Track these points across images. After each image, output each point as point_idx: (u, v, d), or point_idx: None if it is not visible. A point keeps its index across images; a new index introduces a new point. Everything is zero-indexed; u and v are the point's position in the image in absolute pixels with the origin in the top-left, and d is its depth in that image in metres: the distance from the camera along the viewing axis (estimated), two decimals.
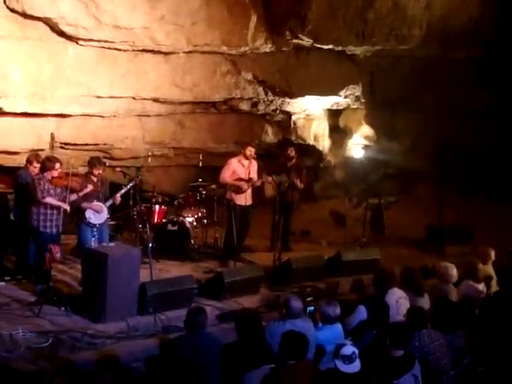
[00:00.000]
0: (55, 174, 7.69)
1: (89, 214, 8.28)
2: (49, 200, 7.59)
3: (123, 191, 8.73)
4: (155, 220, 9.60)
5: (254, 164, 9.65)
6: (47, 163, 7.71)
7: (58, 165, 7.72)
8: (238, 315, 5.76)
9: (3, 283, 8.03)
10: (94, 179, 8.37)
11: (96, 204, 8.33)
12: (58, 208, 7.70)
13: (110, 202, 8.55)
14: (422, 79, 11.44)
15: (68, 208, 7.68)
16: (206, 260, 9.56)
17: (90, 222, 8.27)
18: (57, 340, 6.43)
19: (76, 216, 8.40)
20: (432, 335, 5.60)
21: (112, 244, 7.81)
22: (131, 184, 8.75)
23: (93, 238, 8.07)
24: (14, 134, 9.79)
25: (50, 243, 7.43)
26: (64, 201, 7.67)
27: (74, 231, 8.64)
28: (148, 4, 8.61)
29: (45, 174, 7.69)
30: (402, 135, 12.62)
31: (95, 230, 8.20)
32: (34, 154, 8.71)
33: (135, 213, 9.41)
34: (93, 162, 8.43)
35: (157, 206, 9.67)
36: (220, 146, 11.89)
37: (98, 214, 8.33)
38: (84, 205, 8.25)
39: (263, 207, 10.84)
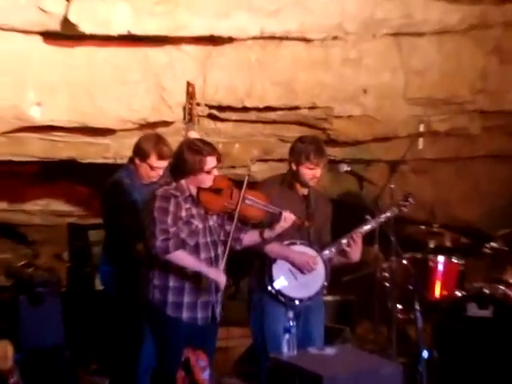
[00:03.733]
0: (207, 180, 5.82)
1: (279, 273, 6.33)
2: (179, 258, 5.80)
3: (371, 226, 6.69)
4: (437, 293, 7.87)
5: None
6: (188, 155, 5.81)
7: (211, 159, 5.83)
8: None
9: None
10: (301, 192, 6.49)
11: (300, 251, 6.39)
12: (209, 263, 5.88)
13: (332, 251, 6.51)
14: None
15: (223, 282, 5.97)
16: None
17: (280, 293, 6.37)
18: None
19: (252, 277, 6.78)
20: None
21: (332, 349, 6.15)
22: (391, 213, 6.77)
23: (287, 334, 6.03)
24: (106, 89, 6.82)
25: (187, 345, 5.87)
26: (221, 245, 5.87)
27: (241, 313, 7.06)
28: None
29: (182, 181, 5.81)
30: None
31: (292, 313, 6.24)
32: (152, 137, 6.42)
33: (387, 275, 7.48)
34: (302, 151, 6.45)
35: (441, 259, 7.86)
36: None
37: (301, 277, 6.38)
38: (270, 248, 6.30)
39: None
